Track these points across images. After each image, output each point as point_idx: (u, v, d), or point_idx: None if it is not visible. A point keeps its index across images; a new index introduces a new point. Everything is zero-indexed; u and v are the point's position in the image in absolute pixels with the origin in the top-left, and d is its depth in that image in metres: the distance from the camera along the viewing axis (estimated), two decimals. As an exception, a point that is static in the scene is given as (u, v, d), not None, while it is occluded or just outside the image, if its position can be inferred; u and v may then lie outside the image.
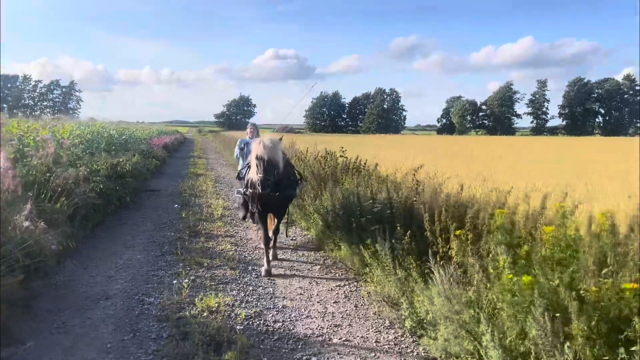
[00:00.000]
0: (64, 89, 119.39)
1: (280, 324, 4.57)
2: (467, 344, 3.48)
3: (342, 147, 11.43)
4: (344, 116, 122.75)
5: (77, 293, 5.26)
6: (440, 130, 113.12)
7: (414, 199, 5.67)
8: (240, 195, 7.16)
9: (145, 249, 7.18)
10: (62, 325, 4.42)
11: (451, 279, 3.70)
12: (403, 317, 4.40)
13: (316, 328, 4.49)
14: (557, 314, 2.94)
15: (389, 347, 4.13)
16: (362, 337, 4.33)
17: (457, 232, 4.31)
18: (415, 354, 4.02)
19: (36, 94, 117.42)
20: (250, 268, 6.30)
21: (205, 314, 4.66)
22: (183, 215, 9.55)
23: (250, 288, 5.55)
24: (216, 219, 9.33)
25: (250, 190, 6.29)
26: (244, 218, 7.82)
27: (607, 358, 2.73)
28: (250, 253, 7.06)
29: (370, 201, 6.15)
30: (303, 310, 4.94)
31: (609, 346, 2.75)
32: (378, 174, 8.66)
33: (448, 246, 4.47)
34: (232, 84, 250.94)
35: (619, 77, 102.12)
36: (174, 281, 5.59)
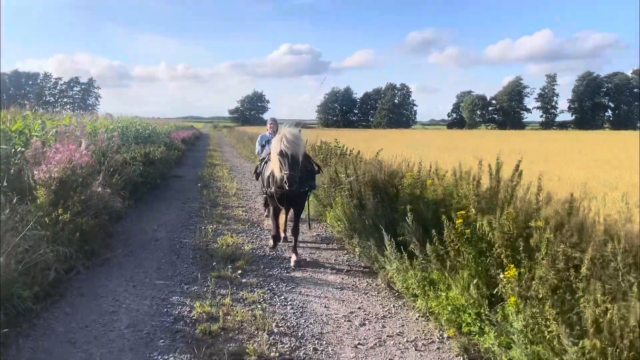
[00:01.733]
0: (83, 86, 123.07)
1: (274, 252, 6.84)
2: (374, 251, 5.70)
3: (336, 139, 13.71)
4: (356, 111, 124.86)
5: (135, 238, 7.57)
6: (451, 125, 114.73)
7: (373, 171, 7.88)
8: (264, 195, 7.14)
9: (177, 214, 9.49)
10: (130, 253, 6.73)
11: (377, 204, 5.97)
12: (353, 244, 6.66)
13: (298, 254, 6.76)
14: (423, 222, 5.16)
15: (342, 263, 6.40)
16: (326, 258, 6.61)
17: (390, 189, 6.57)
18: (357, 265, 6.28)
19: (56, 91, 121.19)
20: (255, 225, 8.57)
21: (223, 247, 6.93)
22: (204, 193, 11.88)
23: (255, 235, 7.84)
24: (231, 195, 11.64)
25: (273, 188, 6.26)
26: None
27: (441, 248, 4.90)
28: (256, 217, 9.31)
29: (344, 174, 8.38)
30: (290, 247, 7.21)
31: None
32: (360, 159, 10.88)
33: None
34: (247, 80, 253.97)
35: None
36: (202, 227, 7.91)
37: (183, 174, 16.53)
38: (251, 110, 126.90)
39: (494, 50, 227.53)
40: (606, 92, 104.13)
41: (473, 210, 4.61)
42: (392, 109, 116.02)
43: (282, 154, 5.78)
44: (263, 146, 8.43)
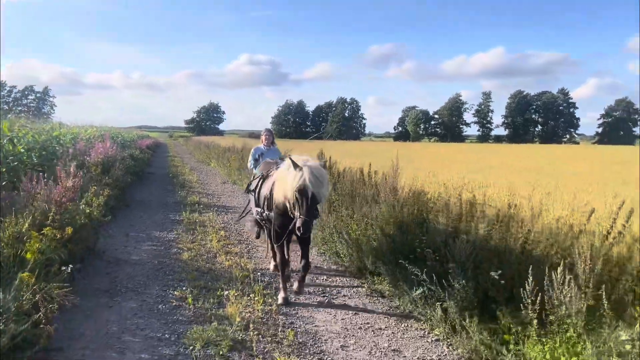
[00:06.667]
0: (38, 95, 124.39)
1: (222, 202, 12.37)
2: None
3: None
4: (308, 123, 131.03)
5: (139, 199, 12.94)
6: (397, 138, 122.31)
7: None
8: (254, 217, 6.58)
9: (158, 189, 14.94)
10: (138, 204, 12.10)
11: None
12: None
13: (234, 205, 12.33)
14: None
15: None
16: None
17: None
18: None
19: (10, 99, 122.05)
20: (210, 194, 14.06)
21: (191, 201, 12.39)
22: (174, 181, 17.29)
23: (210, 195, 13.37)
24: (193, 182, 17.11)
25: (268, 213, 5.63)
26: (258, 236, 7.77)
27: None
28: (211, 191, 14.76)
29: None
30: (234, 199, 12.75)
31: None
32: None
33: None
34: (204, 90, 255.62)
35: (586, 87, 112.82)
36: (178, 193, 13.43)
37: (154, 171, 21.78)
38: (207, 121, 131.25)
39: (450, 65, 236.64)
40: (535, 109, 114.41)
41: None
42: (342, 122, 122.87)
43: (301, 192, 4.88)
44: (257, 160, 7.60)
